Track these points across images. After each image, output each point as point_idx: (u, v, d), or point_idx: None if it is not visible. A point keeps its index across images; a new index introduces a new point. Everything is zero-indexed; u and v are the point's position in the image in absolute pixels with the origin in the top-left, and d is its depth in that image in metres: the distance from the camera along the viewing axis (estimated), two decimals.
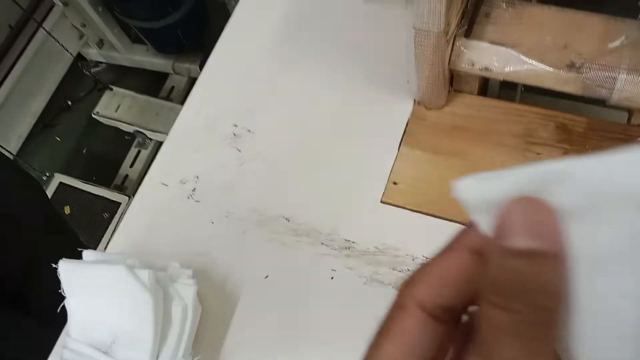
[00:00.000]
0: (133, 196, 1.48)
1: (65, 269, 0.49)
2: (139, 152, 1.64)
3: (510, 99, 0.78)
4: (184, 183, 0.62)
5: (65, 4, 1.68)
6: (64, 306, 0.50)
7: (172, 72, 1.74)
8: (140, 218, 0.60)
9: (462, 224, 0.54)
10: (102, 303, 0.48)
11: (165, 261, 0.52)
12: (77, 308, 0.49)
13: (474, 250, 0.20)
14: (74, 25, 1.75)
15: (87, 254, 0.52)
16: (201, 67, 1.68)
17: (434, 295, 0.20)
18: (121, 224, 0.59)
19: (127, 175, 1.61)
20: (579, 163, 0.17)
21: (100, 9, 1.64)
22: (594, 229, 0.17)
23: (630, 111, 0.56)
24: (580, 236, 0.18)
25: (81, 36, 1.79)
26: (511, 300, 0.17)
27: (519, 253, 0.17)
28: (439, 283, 0.21)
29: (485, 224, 0.19)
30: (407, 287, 0.21)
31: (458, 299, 0.20)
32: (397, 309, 0.21)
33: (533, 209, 0.18)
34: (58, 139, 1.80)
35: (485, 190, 0.19)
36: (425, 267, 0.21)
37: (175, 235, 0.59)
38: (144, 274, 0.47)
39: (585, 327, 0.18)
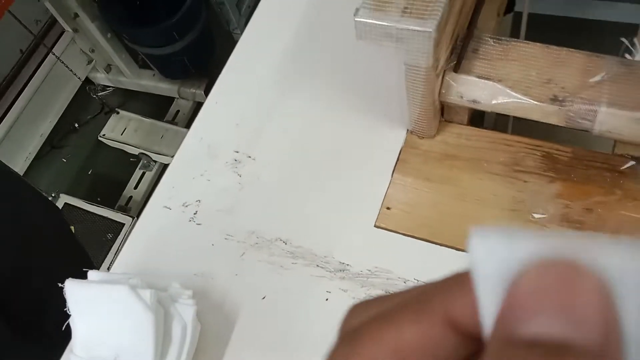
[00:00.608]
0: (137, 217, 1.51)
1: (71, 288, 0.51)
2: (143, 174, 1.68)
3: (506, 126, 0.81)
4: (186, 206, 0.64)
5: (75, 30, 1.73)
6: (68, 324, 0.52)
7: (178, 96, 1.78)
8: (143, 240, 0.62)
9: (453, 248, 0.56)
10: (105, 321, 0.50)
11: (166, 281, 0.54)
12: (82, 326, 0.51)
13: (455, 326, 0.15)
14: (83, 51, 1.80)
15: (92, 274, 0.54)
16: (206, 92, 1.72)
17: None
18: (125, 245, 0.62)
19: (131, 197, 1.64)
20: None
21: (109, 35, 1.69)
22: None
23: (614, 141, 0.58)
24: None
25: (89, 61, 1.84)
26: None
27: (536, 345, 0.11)
28: (395, 356, 0.15)
29: (490, 305, 0.14)
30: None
31: None
32: None
33: (567, 274, 0.12)
34: (64, 160, 1.84)
35: (512, 251, 0.13)
36: (377, 333, 0.15)
37: (176, 257, 0.61)
38: (146, 294, 0.49)
39: None
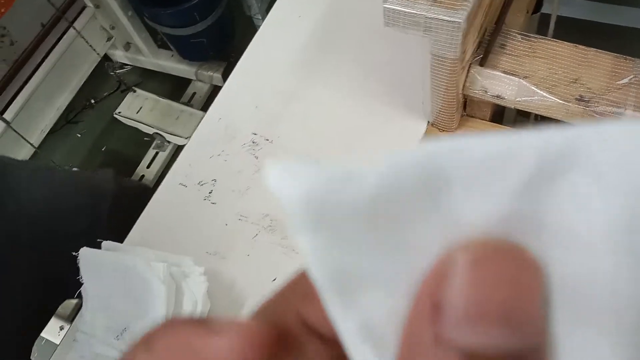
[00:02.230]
0: None
1: (85, 256, 0.52)
2: (156, 153, 1.68)
3: (525, 126, 0.81)
4: (202, 185, 0.64)
5: (97, 6, 1.73)
6: (80, 292, 0.53)
7: (195, 78, 1.78)
8: (157, 215, 0.63)
9: None
10: (117, 291, 0.51)
11: (179, 257, 0.55)
12: (93, 294, 0.52)
13: (314, 330, 0.13)
14: (103, 27, 1.81)
15: (106, 244, 0.54)
16: (224, 75, 1.72)
17: None
18: (139, 219, 0.62)
19: (143, 176, 1.65)
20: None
21: (130, 13, 1.70)
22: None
23: None
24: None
25: (109, 38, 1.84)
26: None
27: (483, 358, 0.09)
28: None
29: (315, 252, 0.11)
30: None
31: None
32: None
33: (512, 265, 0.10)
34: (79, 135, 1.85)
35: (331, 190, 0.11)
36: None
37: (190, 234, 0.61)
38: (159, 267, 0.50)
39: None
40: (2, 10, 1.03)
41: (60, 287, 0.60)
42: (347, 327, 0.11)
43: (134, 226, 0.62)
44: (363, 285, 0.11)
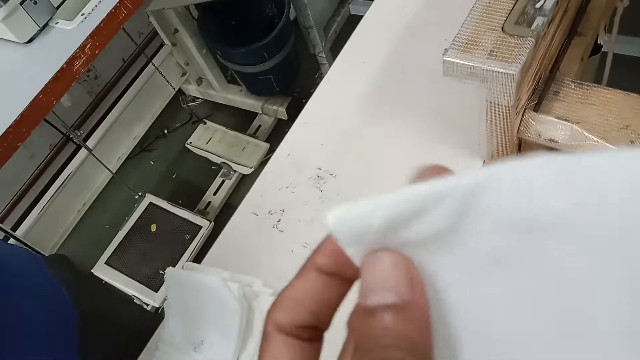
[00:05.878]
0: (214, 221, 1.61)
1: (170, 275, 0.59)
2: (223, 181, 1.78)
3: None
4: (271, 214, 0.71)
5: (174, 44, 1.87)
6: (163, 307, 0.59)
7: (261, 112, 1.88)
8: (232, 240, 0.69)
9: None
10: (196, 307, 0.57)
11: (251, 279, 0.60)
12: (175, 308, 0.58)
13: (322, 270, 0.21)
14: (178, 63, 1.95)
15: (187, 265, 0.61)
16: (288, 110, 1.80)
17: (289, 316, 0.21)
18: (216, 243, 0.69)
19: (210, 202, 1.74)
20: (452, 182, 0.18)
21: (204, 51, 1.82)
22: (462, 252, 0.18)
23: None
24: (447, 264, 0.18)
25: (183, 74, 1.98)
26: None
27: (376, 310, 0.18)
28: (292, 304, 0.21)
29: (357, 257, 0.20)
30: (269, 314, 0.22)
31: (312, 316, 0.21)
32: (264, 339, 0.21)
33: (388, 262, 0.18)
34: (152, 163, 1.98)
35: (357, 223, 0.19)
36: (282, 292, 0.22)
37: (259, 258, 0.67)
38: (234, 287, 0.56)
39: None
40: (97, 52, 1.16)
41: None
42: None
43: (211, 248, 0.68)
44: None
